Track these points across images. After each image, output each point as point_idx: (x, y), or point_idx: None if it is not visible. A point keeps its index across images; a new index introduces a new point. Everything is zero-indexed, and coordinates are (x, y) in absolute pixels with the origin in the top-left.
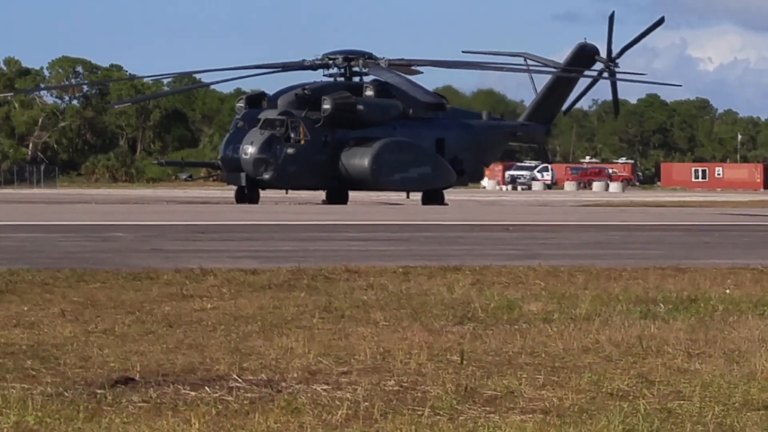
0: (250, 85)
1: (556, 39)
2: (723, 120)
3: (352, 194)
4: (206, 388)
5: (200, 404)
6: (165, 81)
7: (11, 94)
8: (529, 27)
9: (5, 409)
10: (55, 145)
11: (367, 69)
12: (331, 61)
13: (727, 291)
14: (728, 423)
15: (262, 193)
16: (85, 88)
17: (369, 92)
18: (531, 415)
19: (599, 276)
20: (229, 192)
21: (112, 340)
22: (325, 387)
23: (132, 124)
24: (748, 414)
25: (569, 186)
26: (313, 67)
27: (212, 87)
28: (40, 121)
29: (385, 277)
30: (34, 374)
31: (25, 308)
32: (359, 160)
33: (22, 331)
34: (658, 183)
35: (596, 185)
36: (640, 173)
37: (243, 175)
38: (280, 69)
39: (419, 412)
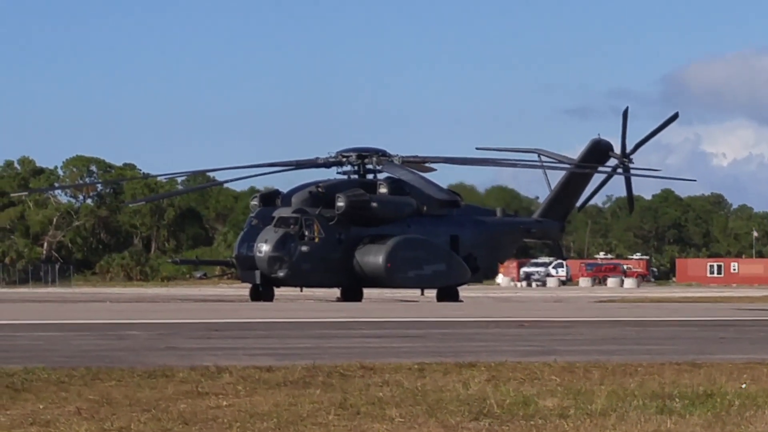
0: (263, 183)
1: (568, 134)
2: (738, 215)
3: (367, 291)
4: None
5: None
6: (179, 180)
7: (26, 193)
8: (541, 122)
9: None
10: (70, 244)
11: (380, 166)
12: (344, 159)
13: (744, 386)
14: None
15: (277, 291)
16: (99, 187)
17: (383, 189)
18: None
19: (615, 371)
20: (244, 290)
21: None
22: None
23: (146, 223)
24: None
25: (584, 282)
26: (327, 164)
27: (226, 185)
28: (55, 220)
29: (401, 373)
30: None
31: (41, 406)
32: (374, 257)
33: (37, 429)
34: (673, 279)
35: (611, 281)
36: (654, 269)
37: (258, 272)
38: (293, 167)
39: None
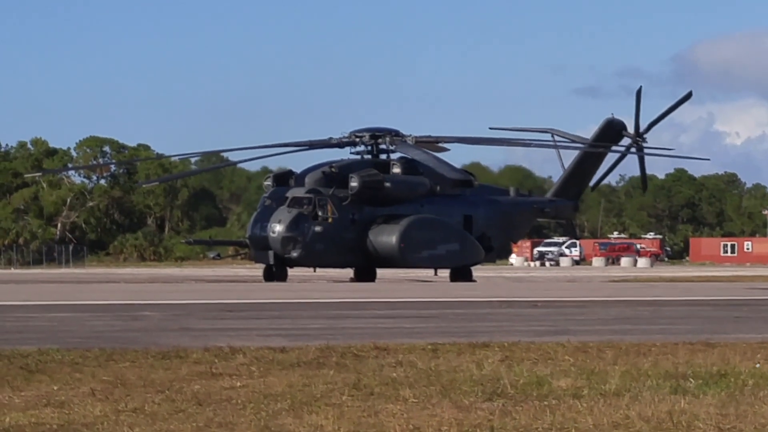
0: (277, 164)
1: (579, 114)
2: (751, 194)
3: (380, 272)
4: None
5: None
6: (192, 160)
7: (39, 174)
8: (552, 102)
9: None
10: (84, 225)
11: (394, 146)
12: (358, 139)
13: (758, 365)
14: None
15: (290, 272)
16: (113, 167)
17: (396, 169)
18: None
19: (628, 351)
20: (257, 270)
21: (142, 419)
22: None
23: (160, 204)
24: None
25: (597, 262)
26: (340, 144)
27: (239, 165)
28: (68, 201)
29: (414, 354)
30: None
31: (55, 387)
32: (387, 237)
33: (52, 410)
34: (687, 258)
35: (624, 261)
36: (668, 248)
37: (271, 253)
38: (307, 147)
39: None
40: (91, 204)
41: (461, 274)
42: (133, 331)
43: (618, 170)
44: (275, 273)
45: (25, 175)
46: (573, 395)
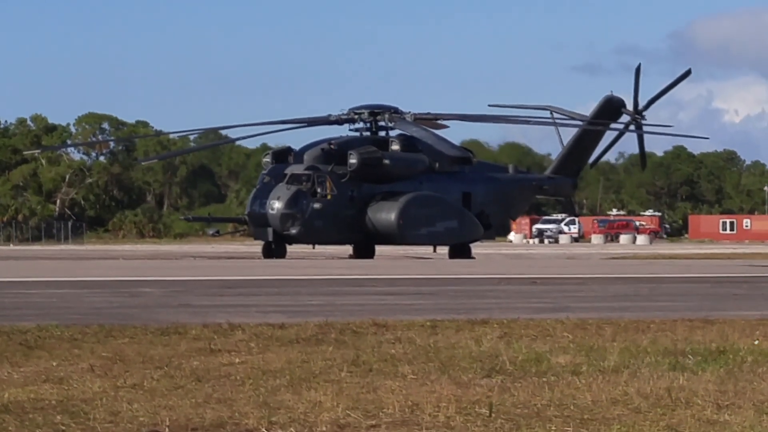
0: (275, 141)
1: (577, 91)
2: (750, 171)
3: (379, 248)
4: None
5: None
6: (191, 137)
7: (38, 150)
8: (550, 79)
9: None
10: (83, 202)
11: (393, 123)
12: (357, 116)
13: (756, 342)
14: None
15: (289, 248)
16: (112, 144)
17: (395, 146)
18: None
19: (627, 328)
20: (256, 247)
21: (140, 395)
22: None
23: (159, 180)
24: None
25: (596, 239)
26: (339, 121)
27: (238, 142)
28: (67, 177)
29: (413, 330)
30: (64, 429)
31: (54, 363)
32: (386, 214)
33: (51, 386)
34: (686, 235)
35: (623, 238)
36: (667, 225)
37: (270, 230)
38: (305, 124)
39: None
40: (90, 180)
41: (460, 251)
42: (132, 308)
43: (617, 147)
44: (274, 250)
45: (24, 152)
46: (572, 372)
